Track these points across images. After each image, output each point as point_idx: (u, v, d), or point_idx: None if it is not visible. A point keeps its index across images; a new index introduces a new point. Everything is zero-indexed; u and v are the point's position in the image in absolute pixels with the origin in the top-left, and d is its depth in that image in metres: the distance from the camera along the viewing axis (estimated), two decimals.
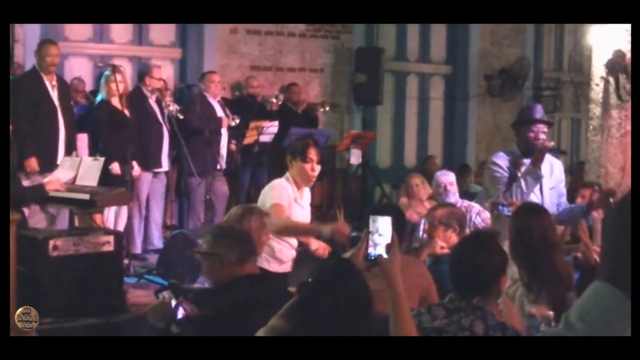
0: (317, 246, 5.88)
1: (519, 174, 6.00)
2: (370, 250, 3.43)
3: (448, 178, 8.24)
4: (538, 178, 5.97)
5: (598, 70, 9.22)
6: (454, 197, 7.97)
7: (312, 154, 5.86)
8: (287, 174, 5.90)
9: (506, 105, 14.05)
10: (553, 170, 6.23)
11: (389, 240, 3.40)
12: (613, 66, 9.00)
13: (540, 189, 6.08)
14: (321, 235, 5.90)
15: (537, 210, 5.11)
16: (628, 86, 8.76)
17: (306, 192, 6.04)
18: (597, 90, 9.25)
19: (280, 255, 5.86)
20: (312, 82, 12.48)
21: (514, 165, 6.08)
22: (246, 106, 10.83)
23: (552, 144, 6.32)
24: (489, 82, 14.06)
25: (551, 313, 4.42)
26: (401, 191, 10.18)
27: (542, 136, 6.12)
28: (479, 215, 7.09)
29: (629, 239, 1.59)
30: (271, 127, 10.42)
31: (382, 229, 3.44)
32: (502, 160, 6.17)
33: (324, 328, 3.05)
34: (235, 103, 10.95)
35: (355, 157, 11.83)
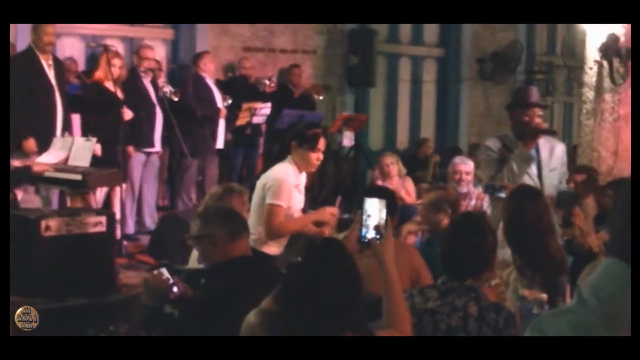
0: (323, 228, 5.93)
1: (511, 157, 5.90)
2: (364, 232, 3.43)
3: (466, 167, 8.12)
4: (529, 159, 5.88)
5: (591, 53, 9.22)
6: (467, 187, 7.89)
7: (321, 144, 5.94)
8: (290, 159, 5.89)
9: (498, 89, 14.07)
10: (554, 152, 6.12)
11: (382, 223, 3.40)
12: (607, 50, 9.00)
13: (540, 171, 6.00)
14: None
15: (532, 193, 5.07)
16: (622, 70, 8.76)
17: (303, 176, 6.05)
18: (590, 74, 9.26)
19: (281, 239, 5.87)
20: (304, 63, 12.44)
21: (506, 147, 5.99)
22: (239, 87, 10.81)
23: (545, 125, 6.28)
24: (481, 66, 14.06)
25: (544, 296, 4.43)
26: (374, 171, 10.06)
27: (537, 120, 6.05)
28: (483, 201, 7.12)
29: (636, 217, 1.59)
30: (264, 109, 10.41)
31: (375, 211, 3.44)
32: (493, 143, 6.08)
33: (312, 309, 3.04)
34: (228, 84, 10.93)
35: (347, 139, 11.84)
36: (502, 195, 5.67)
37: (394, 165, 9.50)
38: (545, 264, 4.66)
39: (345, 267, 3.15)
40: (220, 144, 10.14)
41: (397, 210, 5.10)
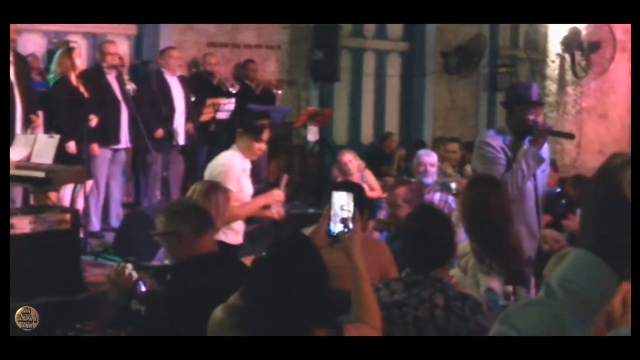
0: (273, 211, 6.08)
1: (518, 156, 5.62)
2: (332, 226, 3.44)
3: (430, 159, 8.13)
4: (540, 160, 5.61)
5: (554, 47, 9.29)
6: (431, 178, 7.94)
7: (266, 135, 6.09)
8: (235, 146, 6.02)
9: (462, 83, 14.13)
10: (543, 152, 5.81)
11: (350, 216, 3.40)
12: (569, 43, 9.07)
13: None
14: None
15: (493, 182, 5.07)
16: (584, 63, 8.84)
17: (248, 162, 6.21)
18: (552, 67, 9.33)
19: (235, 226, 5.93)
20: (269, 58, 12.42)
21: (507, 144, 5.69)
22: (203, 83, 10.77)
23: (551, 125, 6.14)
24: (445, 60, 14.11)
25: (510, 288, 4.46)
26: (334, 168, 9.99)
27: (540, 118, 5.81)
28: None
29: (613, 208, 1.60)
30: (228, 104, 10.39)
31: (343, 205, 3.44)
32: (495, 140, 5.73)
33: (279, 304, 3.03)
34: (193, 80, 10.88)
35: (312, 134, 11.83)
36: (455, 191, 5.67)
37: (352, 162, 9.46)
38: (506, 252, 4.70)
39: (311, 262, 3.14)
40: (181, 140, 10.09)
41: (367, 204, 5.11)
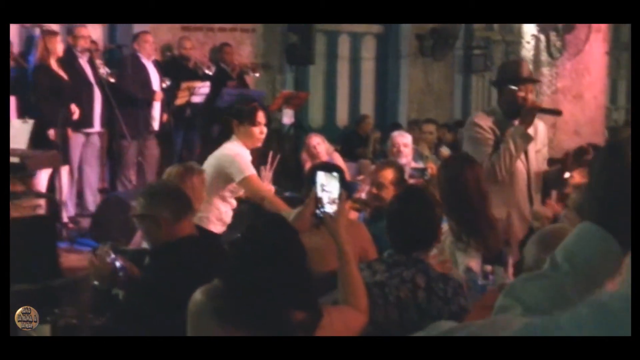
0: None
1: (506, 135, 5.47)
2: (318, 207, 3.42)
3: (404, 139, 8.19)
4: (528, 139, 5.45)
5: (529, 28, 9.31)
6: (405, 158, 7.95)
7: (260, 117, 5.97)
8: (235, 138, 5.89)
9: (437, 65, 14.13)
10: (538, 132, 5.67)
11: (336, 197, 3.38)
12: (544, 24, 9.08)
13: (526, 152, 5.55)
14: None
15: (467, 159, 5.07)
16: (558, 43, 8.85)
17: (249, 153, 6.09)
18: (528, 48, 9.35)
19: (225, 218, 5.87)
20: (243, 42, 12.35)
21: (497, 125, 5.55)
22: (178, 68, 10.71)
23: (542, 103, 6.03)
24: (420, 42, 14.10)
25: (489, 267, 4.48)
26: (302, 152, 9.93)
27: (531, 95, 5.62)
28: None
29: (620, 181, 1.58)
30: (203, 88, 10.35)
31: (329, 186, 3.42)
32: (483, 120, 5.58)
33: (257, 287, 3.01)
34: (167, 64, 10.81)
35: (287, 117, 11.81)
36: (427, 177, 5.65)
37: (320, 145, 9.41)
38: (482, 228, 4.72)
39: (288, 244, 3.11)
40: (156, 125, 10.03)
41: (347, 186, 5.09)
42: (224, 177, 5.82)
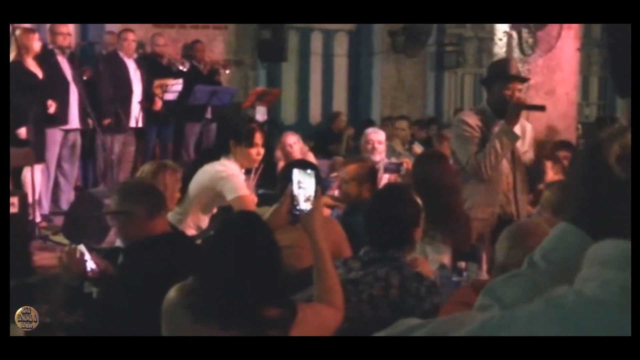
0: None
1: (493, 133, 5.45)
2: (294, 204, 3.42)
3: (377, 136, 8.20)
4: (514, 138, 5.42)
5: (501, 25, 9.34)
6: (379, 155, 7.97)
7: (258, 138, 5.77)
8: (230, 157, 5.78)
9: (410, 62, 14.18)
10: (525, 133, 5.69)
11: (311, 195, 3.39)
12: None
13: (512, 153, 5.53)
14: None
15: (437, 155, 5.20)
16: (530, 40, 8.90)
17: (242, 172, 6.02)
18: (500, 45, 9.38)
19: (202, 224, 5.83)
20: (215, 39, 12.34)
21: (484, 123, 5.53)
22: (152, 64, 10.67)
23: (527, 101, 5.92)
24: (392, 39, 14.14)
25: (463, 263, 4.51)
26: (276, 149, 9.87)
27: (518, 94, 5.59)
28: None
29: (599, 182, 1.59)
30: (175, 85, 10.34)
31: (305, 183, 3.43)
32: (471, 118, 5.55)
33: (230, 283, 3.01)
34: (141, 62, 10.77)
35: (260, 114, 11.80)
36: (402, 172, 5.68)
37: (296, 144, 9.38)
38: (452, 222, 4.76)
39: (260, 240, 3.12)
40: (133, 122, 10.01)
41: (322, 183, 5.11)
42: (213, 192, 5.71)
